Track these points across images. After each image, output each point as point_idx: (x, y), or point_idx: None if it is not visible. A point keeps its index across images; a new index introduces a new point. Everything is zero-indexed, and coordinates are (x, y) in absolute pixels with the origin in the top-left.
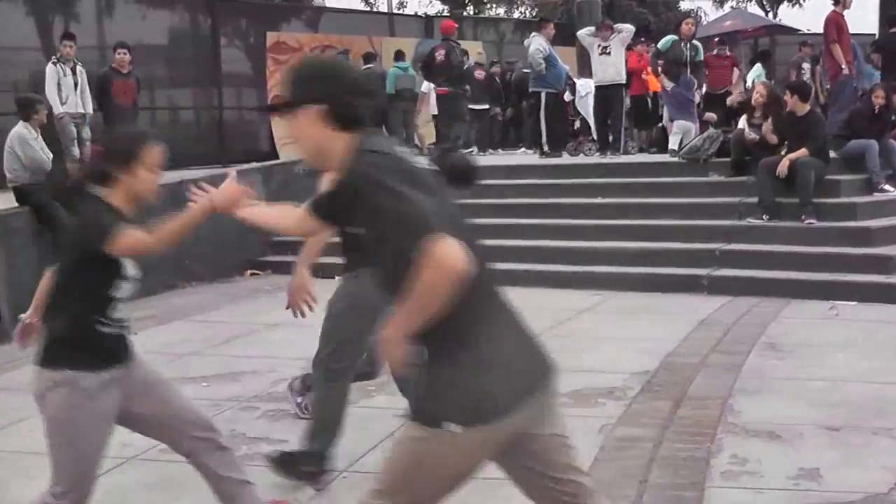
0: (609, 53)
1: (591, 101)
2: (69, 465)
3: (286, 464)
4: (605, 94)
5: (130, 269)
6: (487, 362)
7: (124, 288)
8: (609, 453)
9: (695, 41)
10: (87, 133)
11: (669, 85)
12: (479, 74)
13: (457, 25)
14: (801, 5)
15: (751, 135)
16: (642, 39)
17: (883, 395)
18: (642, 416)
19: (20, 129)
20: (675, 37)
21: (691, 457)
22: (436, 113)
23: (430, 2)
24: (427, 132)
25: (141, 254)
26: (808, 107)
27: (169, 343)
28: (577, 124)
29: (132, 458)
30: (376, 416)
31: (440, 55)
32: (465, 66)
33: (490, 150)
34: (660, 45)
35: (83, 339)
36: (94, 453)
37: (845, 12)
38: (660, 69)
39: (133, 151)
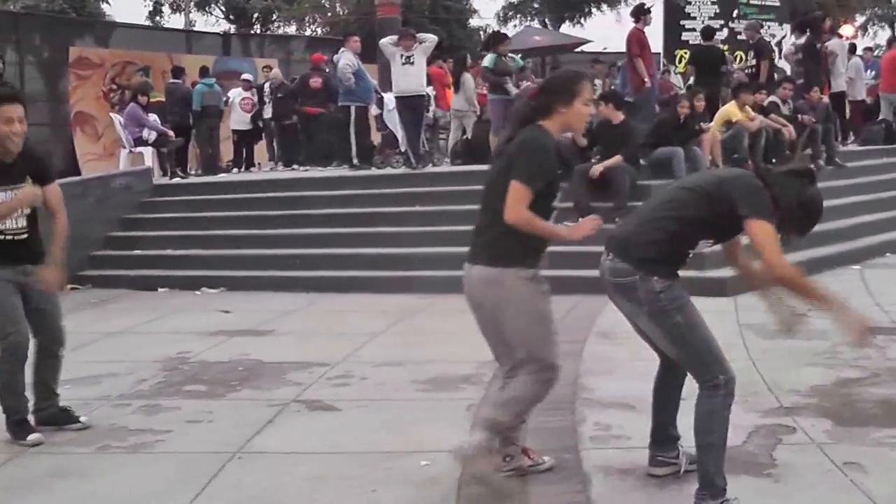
0: (412, 63)
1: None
2: None
3: None
4: (411, 105)
5: None
6: None
7: None
8: None
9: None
10: None
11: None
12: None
13: (326, 58)
14: (582, 25)
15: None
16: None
17: None
18: None
19: None
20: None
21: (558, 427)
22: (236, 128)
23: (217, 21)
24: (226, 149)
25: None
26: (622, 115)
27: None
28: (380, 138)
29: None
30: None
31: (315, 82)
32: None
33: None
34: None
35: None
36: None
37: (645, 29)
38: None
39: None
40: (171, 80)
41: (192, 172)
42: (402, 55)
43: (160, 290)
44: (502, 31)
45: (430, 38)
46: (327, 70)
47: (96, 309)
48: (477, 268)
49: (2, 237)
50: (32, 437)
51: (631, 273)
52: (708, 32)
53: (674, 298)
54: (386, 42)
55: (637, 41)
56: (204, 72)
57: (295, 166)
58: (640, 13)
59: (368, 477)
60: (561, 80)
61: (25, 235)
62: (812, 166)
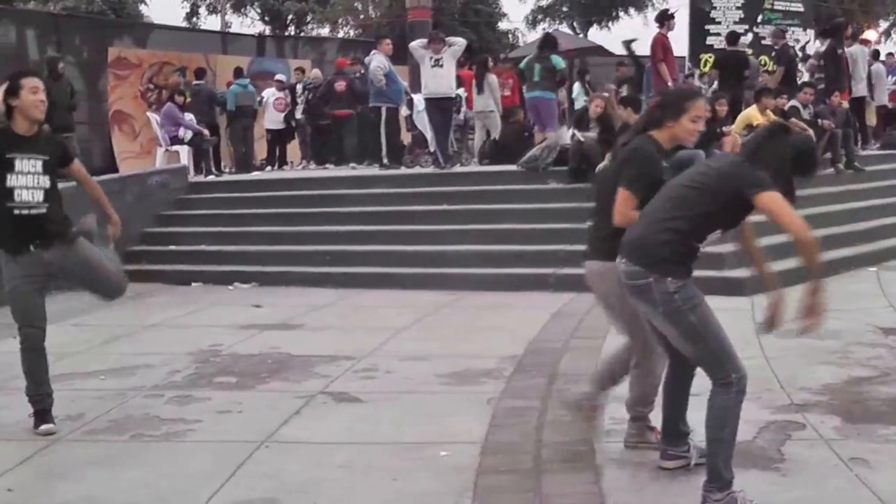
0: (441, 66)
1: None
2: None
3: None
4: (440, 106)
5: None
6: None
7: None
8: (502, 420)
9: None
10: None
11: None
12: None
13: (349, 62)
14: (609, 28)
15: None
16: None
17: None
18: (523, 391)
19: None
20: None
21: (575, 420)
22: (270, 127)
23: (252, 22)
24: (259, 148)
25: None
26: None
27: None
28: (409, 138)
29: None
30: None
31: (340, 85)
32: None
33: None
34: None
35: None
36: None
37: (669, 34)
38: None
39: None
40: (195, 82)
41: (227, 171)
42: (431, 58)
43: (194, 284)
44: (529, 34)
45: (459, 42)
46: (361, 72)
47: (133, 302)
48: (593, 263)
49: (17, 211)
50: (43, 427)
51: (645, 275)
52: (732, 38)
53: (688, 298)
54: (415, 45)
55: (661, 46)
56: (238, 72)
57: (327, 165)
58: (665, 19)
59: (393, 467)
60: (672, 97)
61: (44, 210)
62: (785, 126)
